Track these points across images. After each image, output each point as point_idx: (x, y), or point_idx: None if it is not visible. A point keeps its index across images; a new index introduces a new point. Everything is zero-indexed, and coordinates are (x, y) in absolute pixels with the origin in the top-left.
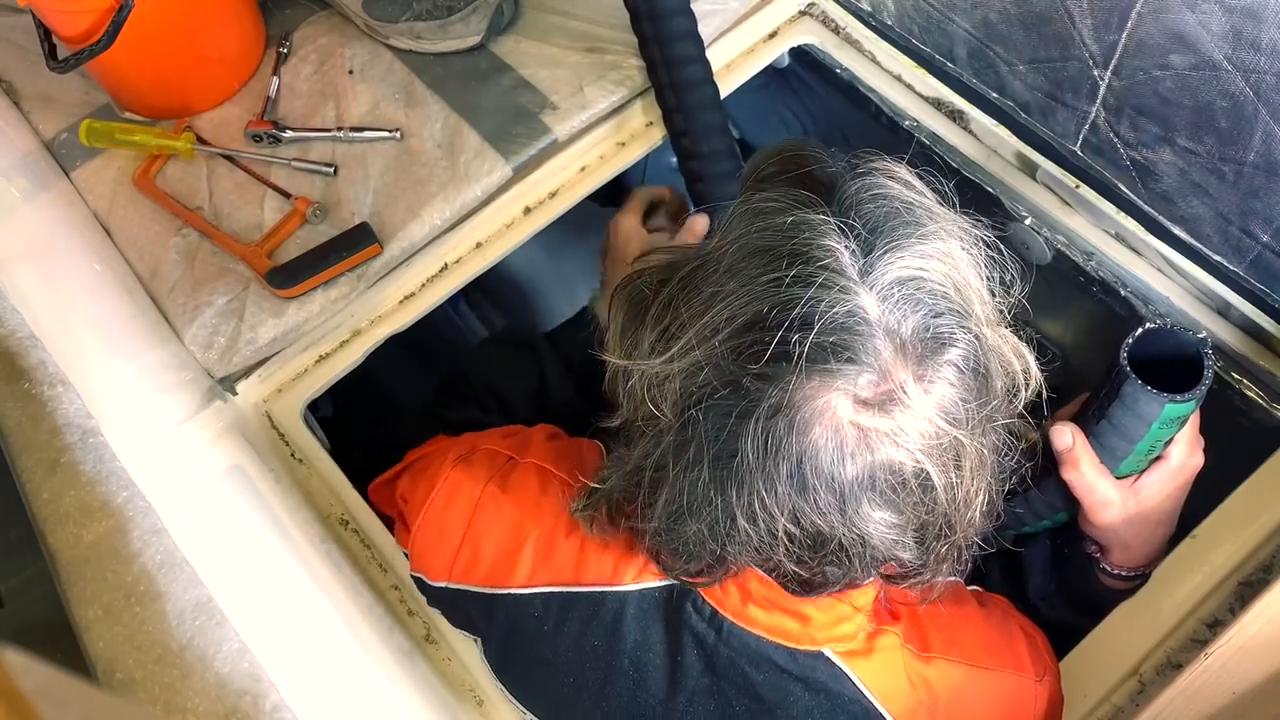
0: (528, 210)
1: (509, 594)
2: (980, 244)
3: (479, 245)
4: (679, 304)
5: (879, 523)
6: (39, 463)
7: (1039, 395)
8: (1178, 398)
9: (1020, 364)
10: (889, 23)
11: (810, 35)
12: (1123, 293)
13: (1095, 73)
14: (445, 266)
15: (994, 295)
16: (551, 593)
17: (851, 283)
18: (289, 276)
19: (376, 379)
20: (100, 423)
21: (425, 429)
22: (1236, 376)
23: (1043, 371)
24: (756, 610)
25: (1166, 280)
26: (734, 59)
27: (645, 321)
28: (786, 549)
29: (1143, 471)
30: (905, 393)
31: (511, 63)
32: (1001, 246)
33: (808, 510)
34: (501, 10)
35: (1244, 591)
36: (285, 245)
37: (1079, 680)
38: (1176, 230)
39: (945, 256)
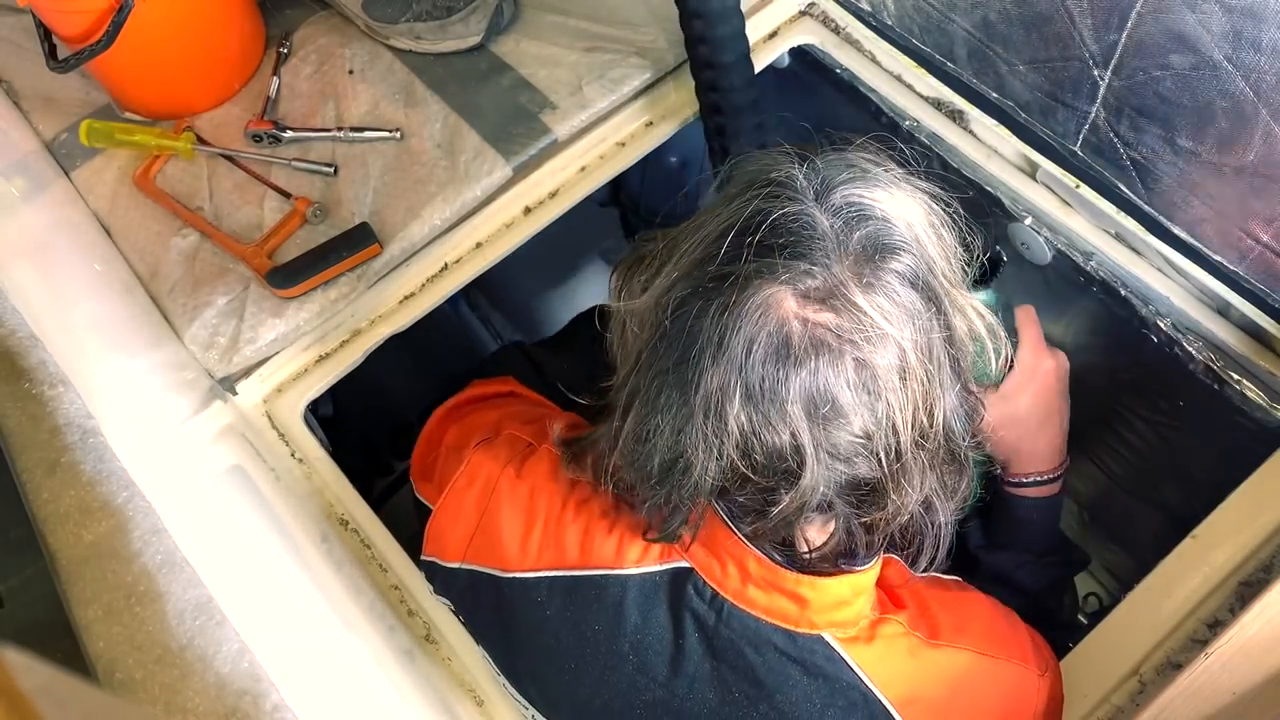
0: (528, 210)
1: (516, 577)
2: (943, 208)
3: (479, 245)
4: (667, 251)
5: (824, 420)
6: (39, 463)
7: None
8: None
9: (983, 323)
10: (889, 23)
11: (810, 35)
12: (1123, 293)
13: (1095, 73)
14: (445, 266)
15: (957, 260)
16: (555, 576)
17: (804, 198)
18: (289, 276)
19: (376, 379)
20: (100, 423)
21: (509, 363)
22: (1236, 376)
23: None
24: (756, 591)
25: (1166, 280)
26: None
27: (639, 271)
28: (742, 451)
29: (1001, 380)
30: (846, 289)
31: (511, 62)
32: (964, 214)
33: (757, 402)
34: (501, 10)
35: (1244, 591)
36: (285, 245)
37: (1079, 680)
38: (1176, 230)
39: (902, 203)
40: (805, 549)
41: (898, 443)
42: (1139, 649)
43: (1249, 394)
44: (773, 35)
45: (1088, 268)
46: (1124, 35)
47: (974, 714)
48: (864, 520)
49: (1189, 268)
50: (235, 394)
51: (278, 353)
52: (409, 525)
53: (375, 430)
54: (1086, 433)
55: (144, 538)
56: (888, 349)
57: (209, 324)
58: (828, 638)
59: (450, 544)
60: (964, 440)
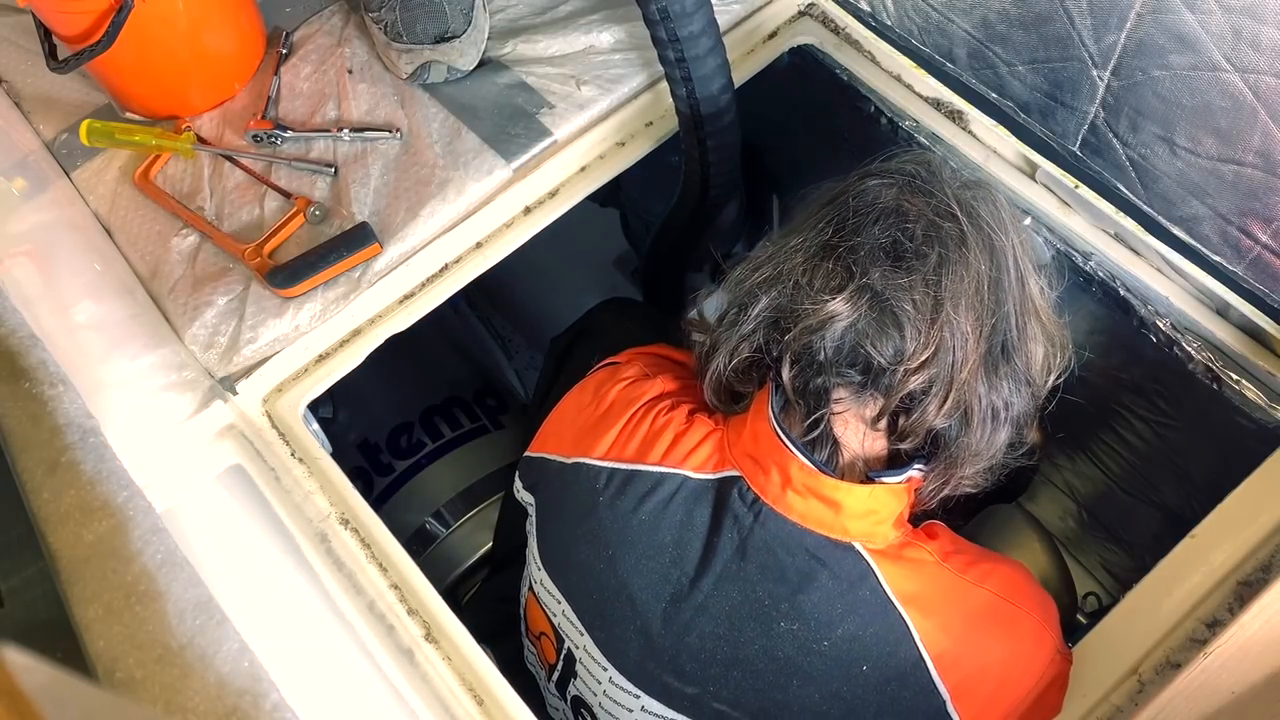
0: (528, 210)
1: (583, 463)
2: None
3: (479, 245)
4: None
5: (882, 270)
6: (39, 462)
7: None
8: None
9: (1053, 325)
10: (889, 23)
11: (810, 35)
12: (1122, 293)
13: (1095, 73)
14: (445, 266)
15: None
16: (617, 468)
17: (939, 165)
18: (289, 276)
19: (376, 379)
20: (100, 422)
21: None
22: (1235, 377)
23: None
24: (794, 497)
25: (1166, 280)
26: (734, 59)
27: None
28: (805, 256)
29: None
30: (941, 186)
31: (509, 63)
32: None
33: (833, 247)
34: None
35: (1243, 591)
36: (285, 245)
37: (1078, 679)
38: (1176, 230)
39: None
40: (845, 455)
41: (943, 334)
42: (1138, 648)
43: (1248, 394)
44: (773, 35)
45: (1087, 268)
46: (1123, 35)
47: (985, 651)
48: (896, 416)
49: (1188, 268)
50: (235, 394)
51: (278, 353)
52: (409, 525)
53: (375, 430)
54: (1086, 433)
55: (144, 537)
56: (959, 238)
57: (209, 324)
58: (858, 547)
59: (550, 438)
60: (1007, 407)
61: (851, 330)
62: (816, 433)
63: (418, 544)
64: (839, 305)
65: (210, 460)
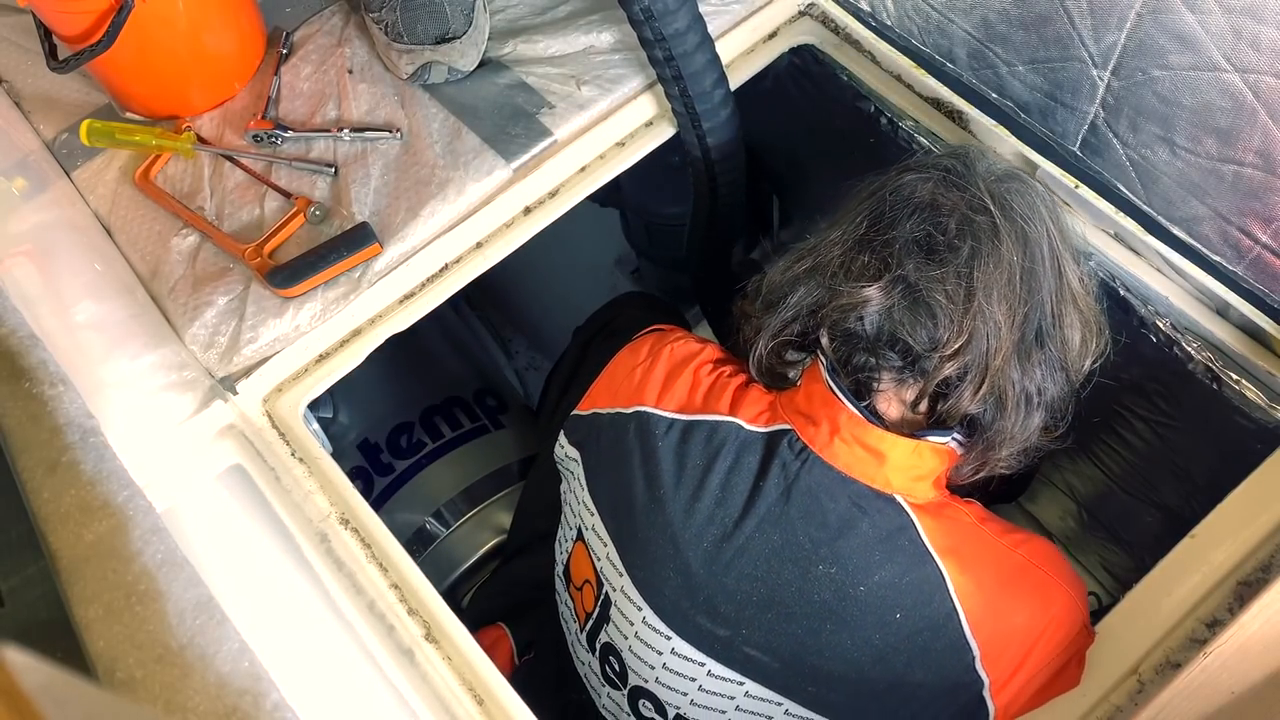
0: (528, 210)
1: (644, 411)
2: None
3: (479, 245)
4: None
5: (916, 262)
6: (39, 462)
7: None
8: None
9: (1090, 310)
10: (889, 23)
11: (810, 35)
12: (1122, 293)
13: (1094, 73)
14: (445, 266)
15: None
16: (676, 418)
17: (976, 157)
18: (289, 276)
19: (376, 379)
20: (101, 422)
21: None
22: (1235, 377)
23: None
24: (841, 445)
25: (1166, 280)
26: (734, 59)
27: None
28: (842, 249)
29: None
30: (975, 179)
31: (509, 63)
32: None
33: (869, 239)
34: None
35: (1243, 591)
36: (286, 245)
37: None
38: (1175, 230)
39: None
40: (889, 419)
41: (976, 323)
42: (1138, 648)
43: (1248, 394)
44: (773, 35)
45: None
46: (1123, 35)
47: (1016, 612)
48: (934, 400)
49: (1188, 268)
50: (235, 393)
51: (278, 352)
52: (409, 525)
53: (375, 430)
54: (1086, 433)
55: (144, 537)
56: (992, 230)
57: (209, 324)
58: (899, 499)
59: (602, 395)
60: (1041, 393)
61: (887, 316)
62: (864, 403)
63: (418, 544)
64: (873, 292)
65: (210, 460)
